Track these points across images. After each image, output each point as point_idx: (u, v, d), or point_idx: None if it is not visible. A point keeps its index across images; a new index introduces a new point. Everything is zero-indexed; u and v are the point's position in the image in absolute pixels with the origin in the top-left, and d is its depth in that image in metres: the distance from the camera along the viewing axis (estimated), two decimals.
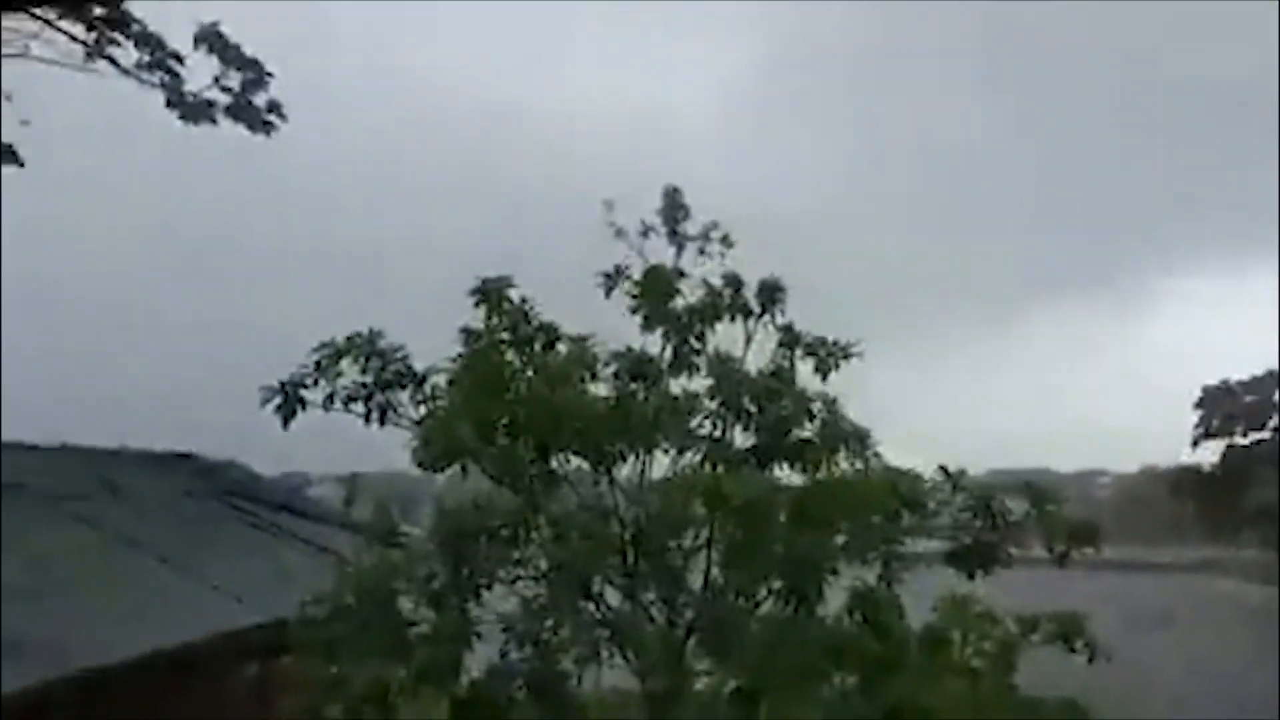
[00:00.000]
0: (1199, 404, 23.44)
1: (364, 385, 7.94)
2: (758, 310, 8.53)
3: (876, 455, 7.97)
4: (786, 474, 8.21)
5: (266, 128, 9.64)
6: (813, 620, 7.27)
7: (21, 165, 9.70)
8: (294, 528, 12.69)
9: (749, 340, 8.52)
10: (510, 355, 8.23)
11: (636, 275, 8.55)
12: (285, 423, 7.79)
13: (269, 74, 9.58)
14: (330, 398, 7.89)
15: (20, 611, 7.55)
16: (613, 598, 8.28)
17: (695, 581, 8.37)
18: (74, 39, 9.31)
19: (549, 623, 7.82)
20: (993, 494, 7.62)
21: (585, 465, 8.44)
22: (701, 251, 8.92)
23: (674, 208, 8.96)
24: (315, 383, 7.92)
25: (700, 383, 8.38)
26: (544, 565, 8.17)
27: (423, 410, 8.05)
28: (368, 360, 7.98)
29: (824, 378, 8.22)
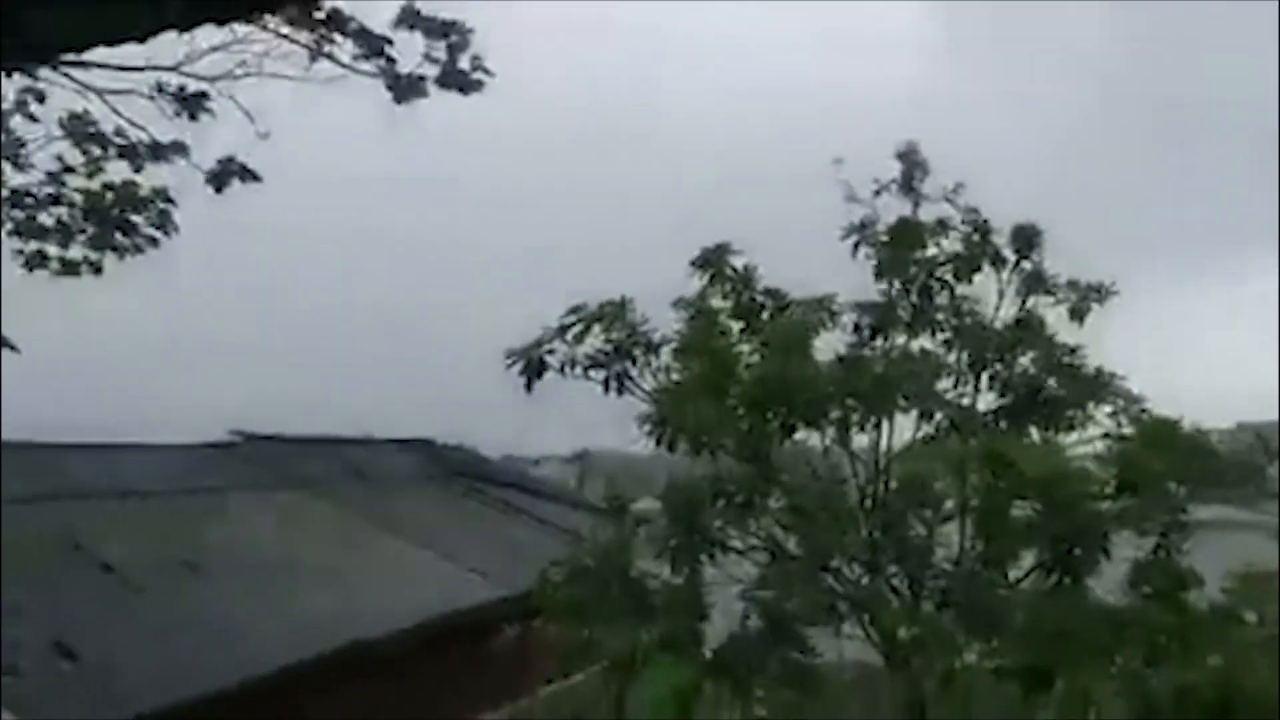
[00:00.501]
0: None
1: (605, 353, 7.89)
2: (1012, 258, 7.94)
3: (1145, 413, 7.24)
4: (1038, 435, 7.62)
5: (477, 85, 9.71)
6: (1085, 594, 6.67)
7: (259, 180, 10.38)
8: (525, 505, 13.09)
9: (1001, 291, 7.95)
10: (734, 326, 7.99)
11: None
12: (528, 386, 7.79)
13: (470, 30, 9.64)
14: (571, 363, 7.87)
15: (301, 588, 8.13)
16: (848, 570, 7.98)
17: (939, 555, 7.95)
18: (300, 44, 9.83)
19: (787, 593, 7.62)
20: None
21: (818, 434, 8.16)
22: (944, 226, 8.32)
23: (912, 165, 8.46)
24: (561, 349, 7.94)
25: (940, 339, 7.89)
26: (778, 536, 7.98)
27: (654, 382, 7.94)
28: (613, 328, 7.94)
29: (1080, 323, 7.53)
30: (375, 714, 7.72)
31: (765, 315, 8.00)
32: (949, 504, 7.55)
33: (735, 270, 8.06)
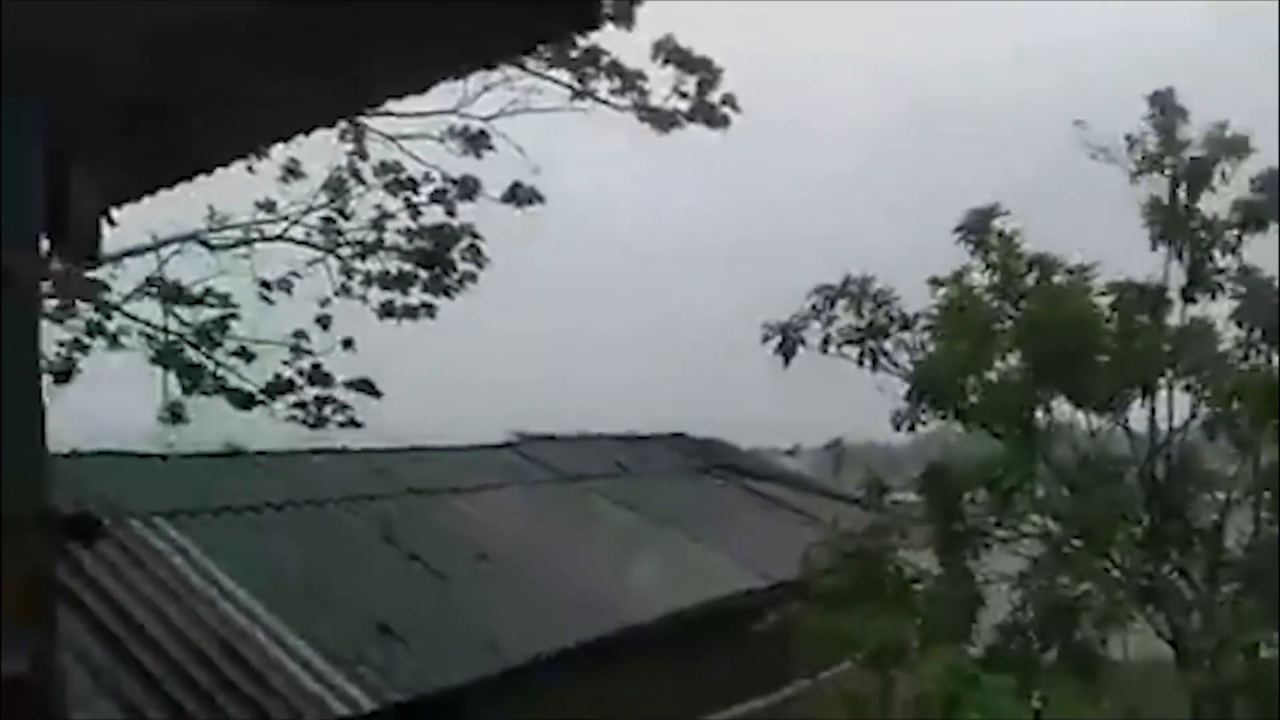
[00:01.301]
0: None
1: (858, 329, 7.89)
2: None
3: None
4: None
5: (724, 122, 10.30)
6: None
7: (543, 201, 11.36)
8: (783, 496, 13.26)
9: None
10: (994, 296, 7.76)
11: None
12: (786, 360, 7.86)
13: (720, 70, 10.21)
14: (827, 340, 7.92)
15: (579, 574, 8.78)
16: (1130, 558, 7.56)
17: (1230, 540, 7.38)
18: (560, 83, 10.69)
19: (1064, 581, 7.35)
20: None
21: (1085, 412, 7.78)
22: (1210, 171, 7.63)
23: (1168, 112, 7.83)
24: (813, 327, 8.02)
25: (1223, 306, 7.31)
26: (1049, 522, 7.70)
27: (910, 358, 7.87)
28: (860, 304, 7.92)
29: None
30: (643, 694, 8.19)
31: (1031, 283, 7.64)
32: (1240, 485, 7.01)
33: (1000, 235, 7.74)
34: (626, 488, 11.79)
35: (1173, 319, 7.56)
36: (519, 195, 10.93)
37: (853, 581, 7.67)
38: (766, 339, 7.88)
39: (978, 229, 7.75)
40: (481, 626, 7.62)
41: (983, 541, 7.71)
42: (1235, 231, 7.32)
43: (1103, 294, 7.59)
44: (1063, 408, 7.79)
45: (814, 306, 7.87)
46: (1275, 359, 7.10)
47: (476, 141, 10.98)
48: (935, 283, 7.96)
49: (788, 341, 7.83)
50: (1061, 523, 7.64)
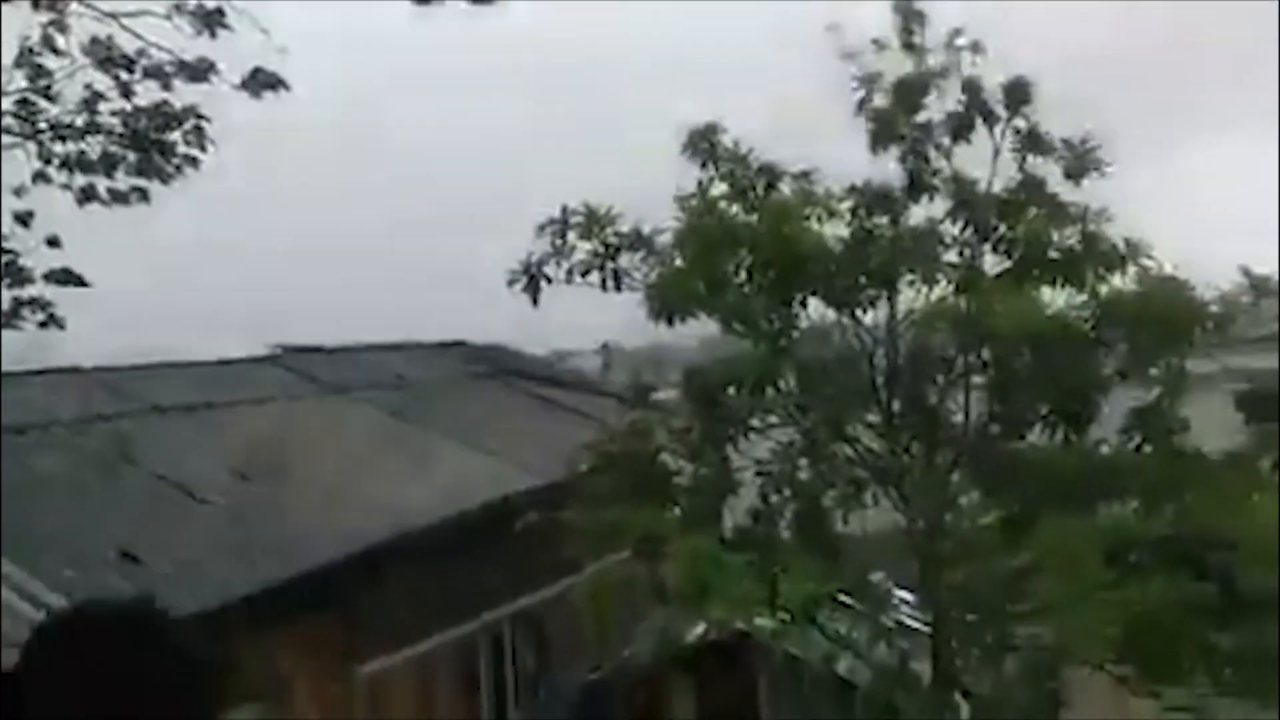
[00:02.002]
0: None
1: (596, 255, 8.10)
2: (1004, 115, 7.80)
3: (1149, 267, 7.20)
4: (1048, 295, 7.65)
5: None
6: (1085, 444, 6.86)
7: (289, 89, 10.40)
8: (562, 399, 13.48)
9: (997, 151, 7.85)
10: (732, 205, 8.05)
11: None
12: (534, 300, 8.15)
13: None
14: (569, 273, 8.13)
15: (347, 488, 8.63)
16: (867, 441, 8.20)
17: (954, 417, 8.13)
18: None
19: (806, 464, 7.91)
20: None
21: (828, 310, 8.29)
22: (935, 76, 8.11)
23: (909, 16, 8.22)
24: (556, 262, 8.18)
25: (941, 206, 7.89)
26: (795, 412, 8.21)
27: (654, 274, 8.10)
28: (590, 230, 8.09)
29: (1077, 183, 7.48)
30: (415, 602, 8.27)
31: (761, 192, 7.98)
32: (957, 367, 7.71)
33: (726, 149, 8.03)
34: (400, 399, 11.63)
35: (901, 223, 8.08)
36: (259, 80, 9.98)
37: (615, 478, 7.98)
38: (512, 282, 7.90)
39: (703, 144, 7.99)
40: (240, 546, 7.40)
41: (739, 433, 8.17)
42: (947, 139, 7.82)
43: (840, 199, 8.01)
44: (811, 306, 8.30)
45: (552, 243, 7.93)
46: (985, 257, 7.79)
47: (210, 19, 9.94)
48: (679, 198, 8.17)
49: (532, 281, 7.89)
50: (807, 412, 8.16)
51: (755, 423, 8.21)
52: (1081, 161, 7.50)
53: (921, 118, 7.87)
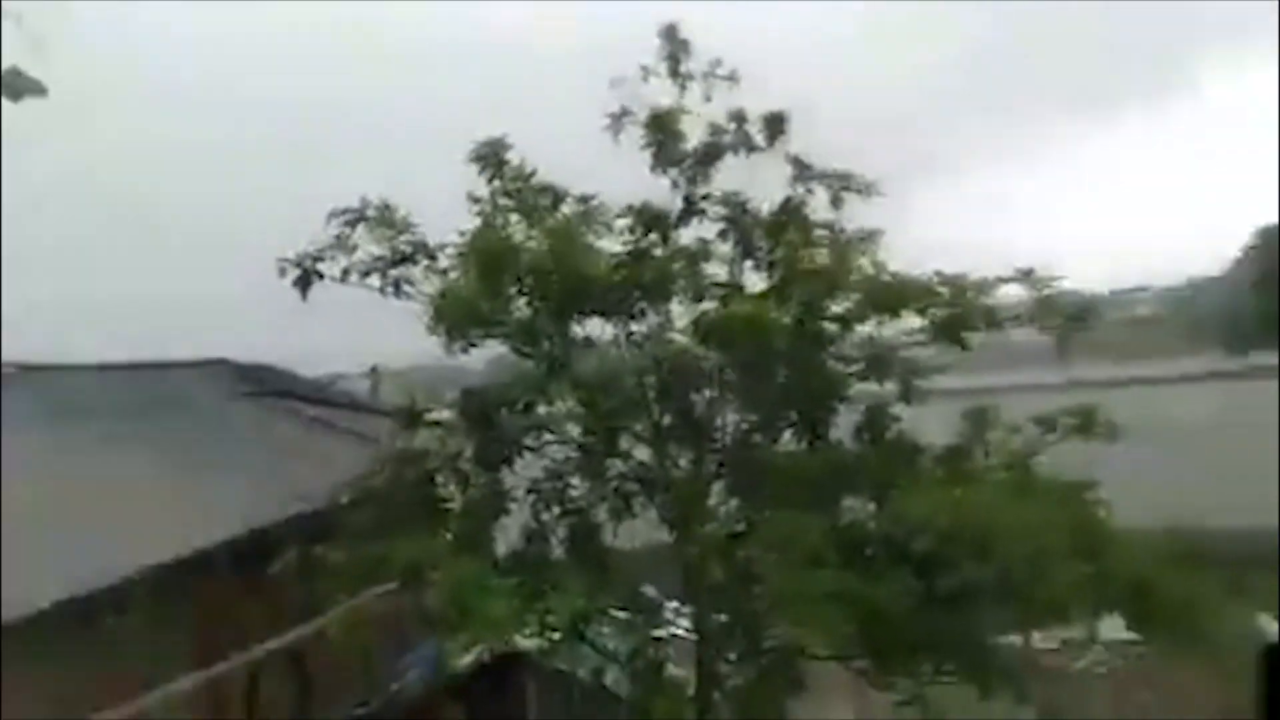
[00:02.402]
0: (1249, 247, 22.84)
1: (379, 259, 7.80)
2: (764, 145, 8.14)
3: (878, 260, 7.61)
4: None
5: None
6: (826, 446, 7.27)
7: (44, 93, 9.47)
8: (335, 420, 12.87)
9: (758, 178, 8.19)
10: (515, 221, 7.99)
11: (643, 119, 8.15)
12: (303, 293, 7.73)
13: None
14: (346, 271, 7.77)
15: (78, 529, 7.81)
16: (644, 454, 8.29)
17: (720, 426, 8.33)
18: None
19: (578, 482, 7.90)
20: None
21: (606, 325, 8.33)
22: (708, 97, 8.38)
23: (674, 45, 8.44)
24: (332, 257, 7.82)
25: (712, 227, 8.14)
26: (571, 429, 8.19)
27: (436, 285, 7.90)
28: (381, 231, 7.80)
29: (838, 208, 7.91)
30: (139, 652, 7.64)
31: (543, 210, 8.00)
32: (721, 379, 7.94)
33: (512, 167, 8.02)
34: (144, 423, 10.71)
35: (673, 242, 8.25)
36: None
37: (381, 509, 7.70)
38: (283, 272, 7.52)
39: (489, 159, 7.97)
40: None
41: (513, 453, 8.05)
42: (712, 165, 8.12)
43: (619, 216, 8.10)
44: (589, 322, 8.31)
45: (337, 236, 7.64)
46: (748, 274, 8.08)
47: None
48: (472, 199, 8.05)
49: (305, 274, 7.54)
50: (581, 428, 8.16)
51: (530, 441, 8.14)
52: (846, 187, 7.86)
53: (690, 145, 8.10)
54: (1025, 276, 7.32)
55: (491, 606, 6.24)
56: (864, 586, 6.26)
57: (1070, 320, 7.23)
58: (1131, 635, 7.37)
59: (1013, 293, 7.37)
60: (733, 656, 7.66)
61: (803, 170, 8.12)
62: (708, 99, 8.22)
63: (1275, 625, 8.51)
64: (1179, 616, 6.48)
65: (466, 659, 9.83)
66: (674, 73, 8.29)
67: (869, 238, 7.74)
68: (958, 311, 7.25)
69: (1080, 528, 6.61)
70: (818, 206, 8.08)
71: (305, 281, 7.73)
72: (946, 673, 6.91)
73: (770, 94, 8.31)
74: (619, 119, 8.07)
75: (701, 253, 8.16)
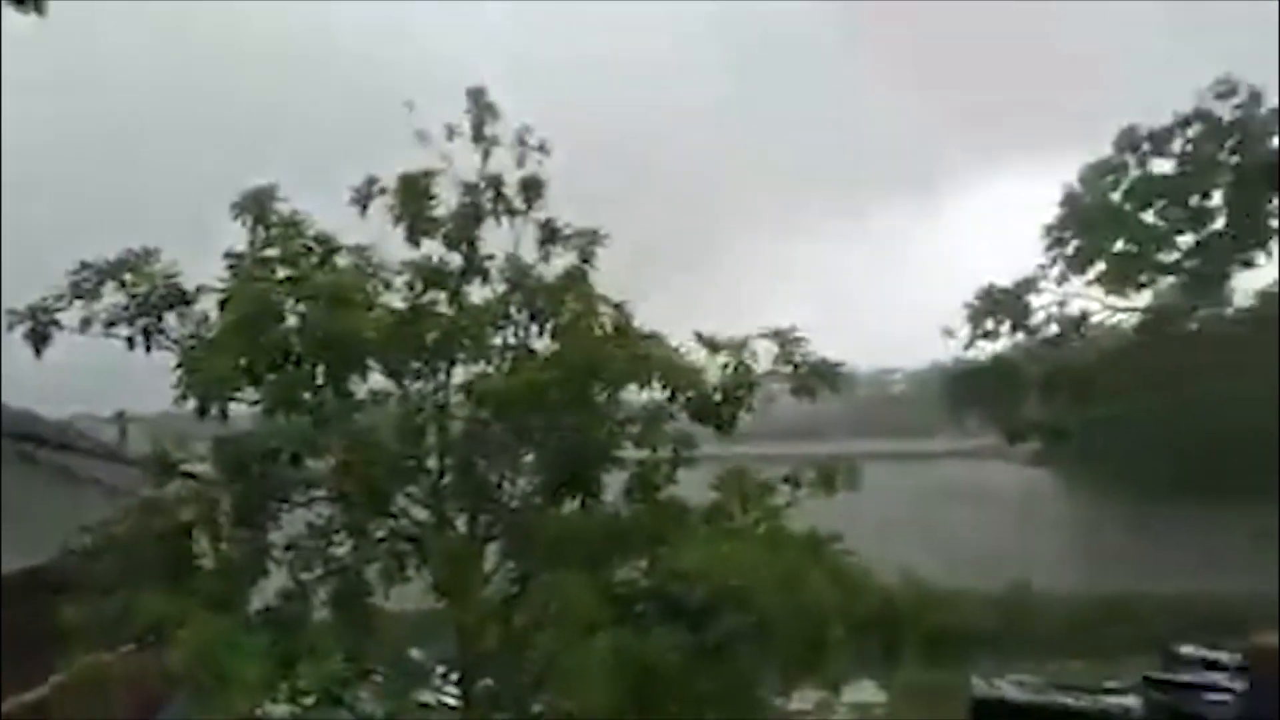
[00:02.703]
0: (970, 308, 25.52)
1: (126, 308, 7.35)
2: (522, 208, 8.31)
3: (647, 337, 7.88)
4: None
5: None
6: (599, 508, 7.45)
7: None
8: (79, 467, 11.88)
9: (518, 242, 8.32)
10: (280, 274, 7.72)
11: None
12: (37, 351, 7.19)
13: None
14: (87, 321, 7.27)
15: None
16: (414, 515, 8.15)
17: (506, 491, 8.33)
18: None
19: (345, 541, 7.66)
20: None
21: (385, 380, 8.18)
22: (520, 162, 8.41)
23: (481, 109, 8.51)
24: (71, 305, 7.31)
25: (495, 289, 8.20)
26: (340, 485, 7.94)
27: (191, 337, 7.50)
28: (131, 280, 7.37)
29: (586, 264, 8.15)
30: None
31: (315, 263, 7.78)
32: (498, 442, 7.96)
33: (280, 215, 7.77)
34: None
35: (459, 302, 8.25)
36: None
37: (125, 560, 7.18)
38: (11, 326, 7.05)
39: (254, 208, 7.70)
40: None
41: (274, 510, 7.72)
42: (469, 223, 8.18)
43: (398, 273, 8.03)
44: (366, 376, 8.13)
45: (75, 284, 7.20)
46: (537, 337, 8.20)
47: None
48: (229, 255, 7.73)
49: (39, 328, 7.03)
50: (351, 486, 7.92)
51: (297, 497, 7.84)
52: (588, 243, 8.18)
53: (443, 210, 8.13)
54: (776, 336, 7.69)
55: (243, 668, 5.92)
56: (637, 644, 6.40)
57: (820, 380, 7.66)
58: (873, 698, 7.89)
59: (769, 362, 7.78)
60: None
61: (552, 234, 8.33)
62: (519, 165, 8.34)
63: (983, 684, 9.35)
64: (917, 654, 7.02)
65: None
66: (478, 136, 8.41)
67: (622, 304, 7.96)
68: (707, 393, 7.57)
69: (831, 575, 7.08)
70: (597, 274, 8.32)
71: (40, 337, 7.15)
72: None
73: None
74: (368, 189, 8.00)
75: (487, 314, 8.21)
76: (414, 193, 8.02)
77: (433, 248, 8.14)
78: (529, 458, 7.92)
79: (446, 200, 8.19)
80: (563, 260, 8.24)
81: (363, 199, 8.01)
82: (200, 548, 7.46)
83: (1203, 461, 21.66)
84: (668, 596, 6.88)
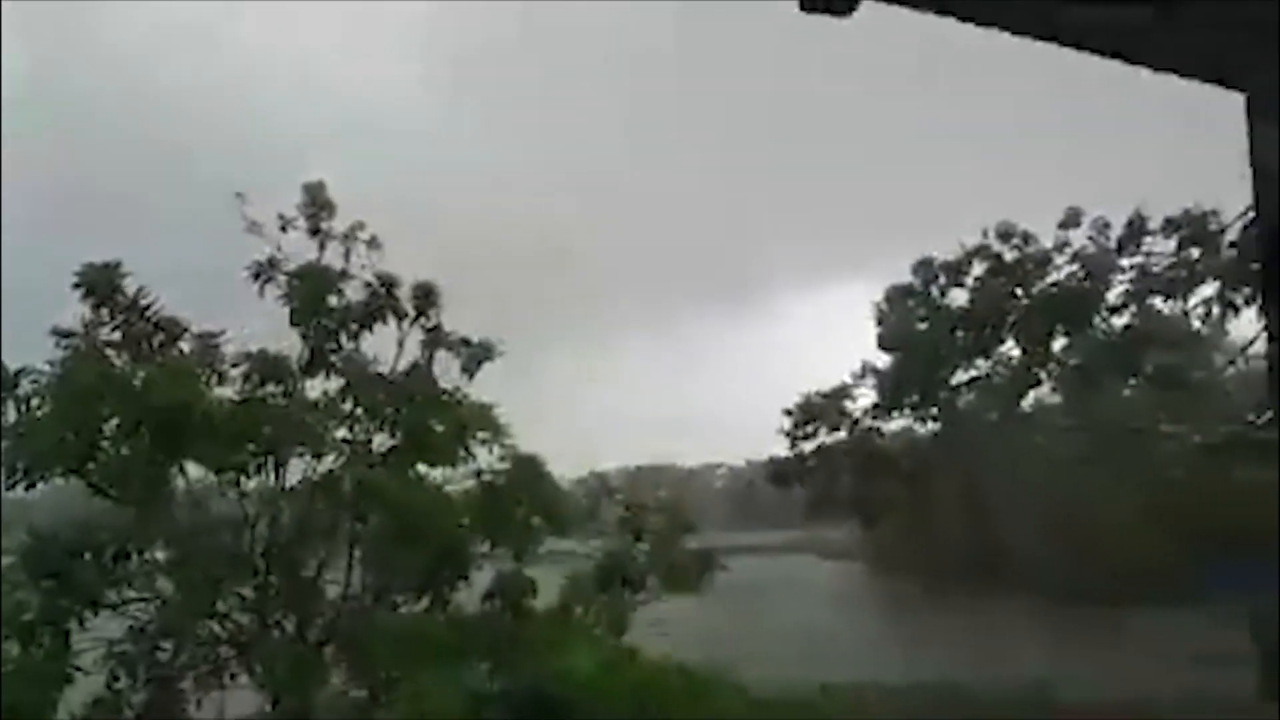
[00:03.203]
0: (789, 413, 27.99)
1: None
2: (412, 313, 8.43)
3: (509, 446, 8.10)
4: (426, 472, 8.18)
5: None
6: (445, 612, 7.41)
7: None
8: None
9: (401, 342, 8.42)
10: (119, 355, 7.50)
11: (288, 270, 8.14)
12: None
13: None
14: None
15: None
16: (238, 617, 7.83)
17: (332, 592, 8.14)
18: None
19: (166, 646, 7.27)
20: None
21: (210, 475, 7.92)
22: (346, 253, 8.52)
23: (317, 203, 8.51)
24: None
25: (335, 384, 8.16)
26: (160, 585, 7.57)
27: (13, 416, 7.12)
28: None
29: (470, 376, 8.32)
30: None
31: (157, 345, 7.62)
32: (340, 539, 7.84)
33: (125, 295, 7.57)
34: None
35: (310, 392, 8.17)
36: None
37: None
38: None
39: (99, 283, 7.51)
40: None
41: (84, 611, 7.24)
42: (356, 322, 8.28)
43: (234, 364, 7.88)
44: (189, 470, 7.85)
45: None
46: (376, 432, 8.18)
47: None
48: (59, 334, 7.42)
49: None
50: (174, 585, 7.57)
51: (113, 596, 7.39)
52: (475, 356, 8.35)
53: (334, 303, 8.20)
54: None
55: None
56: None
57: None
58: None
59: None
60: None
61: (438, 337, 8.47)
62: (353, 258, 8.41)
63: None
64: None
65: None
66: (314, 230, 8.44)
67: (486, 409, 8.17)
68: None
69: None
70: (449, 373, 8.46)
71: None
72: None
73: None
74: (267, 268, 8.00)
75: (328, 409, 8.14)
76: (316, 282, 8.02)
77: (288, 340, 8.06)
78: (367, 557, 7.79)
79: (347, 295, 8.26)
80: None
81: (263, 278, 7.96)
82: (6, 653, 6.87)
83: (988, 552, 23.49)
84: (516, 699, 6.91)
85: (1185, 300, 26.89)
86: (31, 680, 6.78)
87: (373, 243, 8.53)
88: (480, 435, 7.93)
